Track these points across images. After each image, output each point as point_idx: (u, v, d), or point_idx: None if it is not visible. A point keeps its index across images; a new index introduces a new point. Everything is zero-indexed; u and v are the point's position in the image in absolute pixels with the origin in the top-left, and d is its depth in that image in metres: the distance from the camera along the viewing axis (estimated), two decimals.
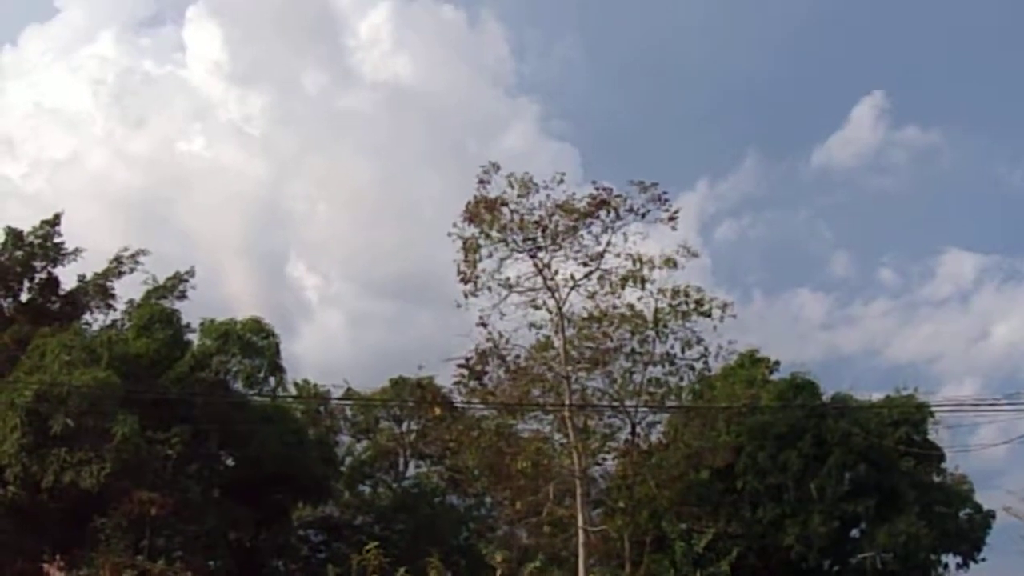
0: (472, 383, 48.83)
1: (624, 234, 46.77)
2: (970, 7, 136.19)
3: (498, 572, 29.18)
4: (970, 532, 64.47)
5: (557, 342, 47.41)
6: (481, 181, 46.48)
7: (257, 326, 59.13)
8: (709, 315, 48.13)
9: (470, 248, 46.40)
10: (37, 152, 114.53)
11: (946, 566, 65.31)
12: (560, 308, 46.98)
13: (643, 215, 46.82)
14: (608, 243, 46.76)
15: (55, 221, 60.38)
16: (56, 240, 60.36)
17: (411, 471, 75.99)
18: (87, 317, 61.31)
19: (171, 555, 47.07)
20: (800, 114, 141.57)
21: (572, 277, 46.98)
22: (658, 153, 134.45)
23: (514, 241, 46.34)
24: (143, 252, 60.95)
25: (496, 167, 46.68)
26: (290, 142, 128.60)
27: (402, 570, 28.14)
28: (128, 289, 61.28)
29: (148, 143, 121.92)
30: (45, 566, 47.31)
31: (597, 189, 46.91)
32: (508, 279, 46.87)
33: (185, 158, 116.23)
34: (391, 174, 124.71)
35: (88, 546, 48.20)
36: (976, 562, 64.78)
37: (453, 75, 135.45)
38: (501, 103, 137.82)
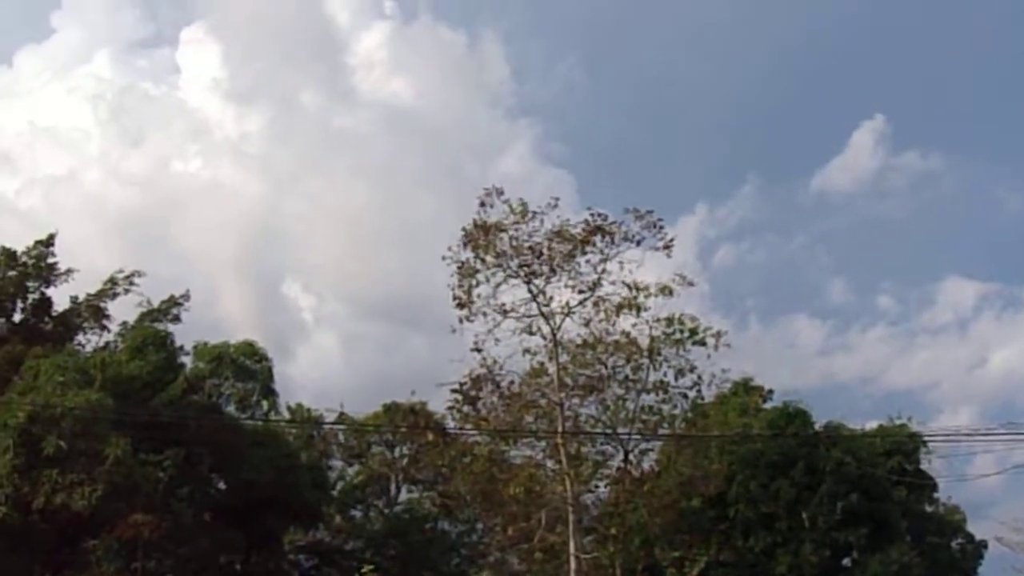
0: (465, 408, 48.81)
1: (620, 262, 46.80)
2: (971, 33, 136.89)
3: None
4: (962, 562, 64.60)
5: (551, 368, 47.33)
6: (482, 204, 46.52)
7: (251, 349, 59.13)
8: (704, 343, 48.10)
9: (466, 273, 46.42)
10: (32, 169, 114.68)
11: None
12: (555, 334, 46.94)
13: (638, 242, 46.86)
14: (603, 270, 46.78)
15: (49, 241, 60.31)
16: (50, 260, 60.28)
17: (403, 496, 75.94)
18: (80, 338, 61.28)
19: None
20: (800, 138, 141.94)
21: (567, 304, 47.00)
22: (658, 176, 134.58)
23: (509, 267, 46.36)
24: (138, 273, 60.97)
25: (499, 192, 46.75)
26: (287, 162, 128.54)
27: None
28: (122, 310, 61.29)
29: (144, 162, 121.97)
30: None
31: (592, 215, 46.98)
32: (503, 305, 46.80)
33: (181, 178, 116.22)
34: (388, 195, 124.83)
35: (79, 568, 48.10)
36: None
37: (452, 96, 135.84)
38: (500, 124, 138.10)
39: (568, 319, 47.26)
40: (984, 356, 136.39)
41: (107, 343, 60.99)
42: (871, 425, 67.30)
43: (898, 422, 65.49)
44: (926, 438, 61.33)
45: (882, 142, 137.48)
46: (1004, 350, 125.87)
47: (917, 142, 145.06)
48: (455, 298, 46.71)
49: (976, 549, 66.03)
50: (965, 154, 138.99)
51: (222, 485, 59.75)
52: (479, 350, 47.33)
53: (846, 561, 61.70)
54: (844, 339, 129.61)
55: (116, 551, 49.00)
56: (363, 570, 29.07)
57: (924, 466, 64.41)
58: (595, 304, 47.08)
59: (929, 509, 66.63)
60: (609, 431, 49.67)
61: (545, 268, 46.35)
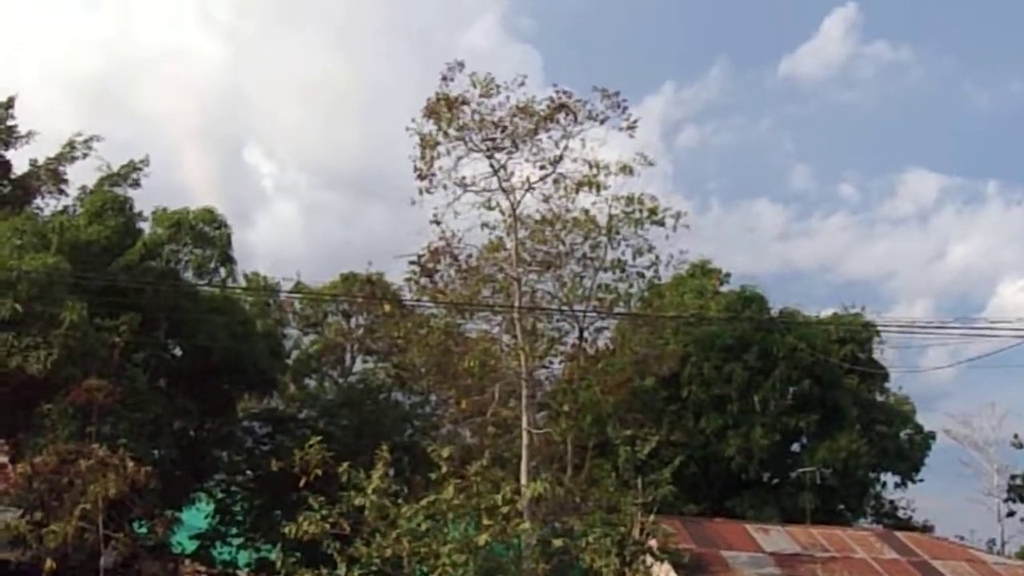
0: (422, 281, 48.98)
1: (582, 139, 46.70)
2: None
3: (443, 469, 29.21)
4: (910, 452, 65.55)
5: (509, 243, 47.33)
6: (444, 78, 46.28)
7: (210, 216, 58.57)
8: (662, 224, 48.07)
9: (427, 145, 46.25)
10: None
11: (884, 484, 66.50)
12: (514, 209, 46.82)
13: (602, 121, 46.78)
14: (566, 147, 46.65)
15: (9, 104, 59.77)
16: (9, 123, 59.77)
17: (358, 366, 75.93)
18: (39, 202, 60.80)
19: (116, 442, 46.83)
20: (771, 22, 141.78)
21: (528, 179, 46.87)
22: (625, 54, 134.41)
23: (472, 141, 46.20)
24: (97, 138, 60.34)
25: (461, 65, 46.35)
26: (251, 28, 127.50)
27: (345, 464, 28.31)
28: (81, 175, 60.75)
29: (106, 26, 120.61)
30: None
31: (557, 92, 46.80)
32: (464, 178, 46.68)
33: (143, 42, 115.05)
34: (353, 64, 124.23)
35: (35, 432, 48.08)
36: (914, 482, 65.97)
37: None
38: None
39: (528, 195, 47.21)
40: (943, 250, 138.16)
41: (65, 207, 60.43)
42: (826, 313, 67.95)
43: (853, 311, 66.13)
44: (880, 328, 62.10)
45: (852, 30, 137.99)
46: (963, 245, 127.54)
47: (887, 32, 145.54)
48: (416, 170, 46.67)
49: (924, 440, 66.90)
50: (935, 47, 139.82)
51: (178, 351, 59.54)
52: (438, 223, 47.38)
53: (795, 446, 62.63)
54: (804, 225, 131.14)
55: (71, 415, 48.72)
56: (310, 442, 29.30)
57: (877, 356, 65.24)
58: (555, 181, 47.05)
59: (880, 398, 67.46)
60: (565, 308, 49.86)
61: (507, 143, 46.23)
